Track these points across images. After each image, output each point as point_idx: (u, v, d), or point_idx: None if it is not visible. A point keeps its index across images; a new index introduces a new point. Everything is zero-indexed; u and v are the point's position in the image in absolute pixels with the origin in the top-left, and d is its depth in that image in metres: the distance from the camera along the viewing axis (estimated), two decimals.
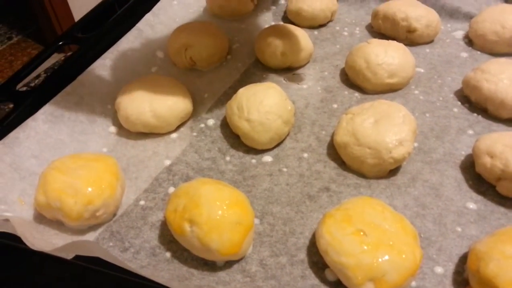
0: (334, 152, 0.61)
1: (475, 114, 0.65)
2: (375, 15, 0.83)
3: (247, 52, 0.80)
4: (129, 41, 0.77)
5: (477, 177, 0.56)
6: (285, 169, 0.60)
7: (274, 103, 0.61)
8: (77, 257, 0.47)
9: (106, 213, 0.53)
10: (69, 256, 0.48)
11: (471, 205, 0.54)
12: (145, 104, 0.63)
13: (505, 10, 0.77)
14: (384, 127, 0.56)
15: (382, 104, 0.60)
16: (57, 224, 0.54)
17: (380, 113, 0.59)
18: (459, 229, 0.51)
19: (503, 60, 0.67)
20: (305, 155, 0.61)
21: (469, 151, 0.59)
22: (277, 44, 0.74)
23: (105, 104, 0.68)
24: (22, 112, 0.63)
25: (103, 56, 0.73)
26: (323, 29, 0.86)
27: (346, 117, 0.61)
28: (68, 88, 0.66)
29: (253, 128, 0.60)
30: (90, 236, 0.53)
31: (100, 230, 0.54)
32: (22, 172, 0.57)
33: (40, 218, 0.54)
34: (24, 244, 0.47)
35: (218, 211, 0.47)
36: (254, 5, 0.89)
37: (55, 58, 0.88)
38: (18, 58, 2.24)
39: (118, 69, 0.73)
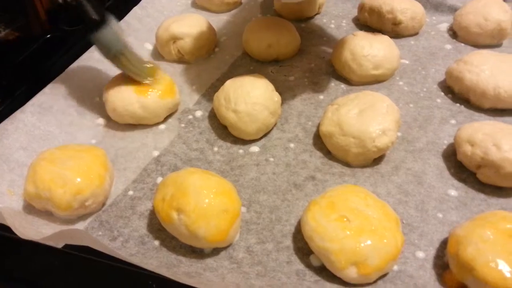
0: (320, 142, 0.62)
1: (458, 104, 0.67)
2: (361, 8, 0.84)
3: (234, 44, 0.81)
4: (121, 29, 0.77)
5: (458, 165, 0.58)
6: (271, 159, 0.61)
7: (261, 94, 0.61)
8: (68, 246, 0.48)
9: (95, 203, 0.54)
10: (58, 245, 0.48)
11: (452, 192, 0.55)
12: (132, 96, 0.63)
13: (488, 3, 0.78)
14: (368, 117, 0.58)
15: (366, 95, 0.61)
16: (46, 215, 0.54)
17: (364, 103, 0.60)
18: (440, 215, 0.53)
19: (485, 51, 0.69)
20: (292, 145, 0.62)
21: (451, 140, 0.60)
22: (264, 37, 0.74)
23: (93, 96, 0.69)
24: (10, 105, 0.63)
25: (91, 49, 0.73)
26: (310, 21, 0.87)
27: (331, 108, 0.62)
28: (57, 81, 0.67)
29: (240, 119, 0.61)
30: (80, 226, 0.54)
31: (89, 219, 0.54)
32: (11, 164, 0.58)
33: (29, 208, 0.55)
34: (14, 234, 0.47)
35: (205, 200, 0.48)
36: None
37: None
38: None
39: (106, 62, 0.72)
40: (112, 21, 0.61)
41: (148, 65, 0.65)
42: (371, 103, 0.60)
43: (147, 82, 0.65)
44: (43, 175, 0.52)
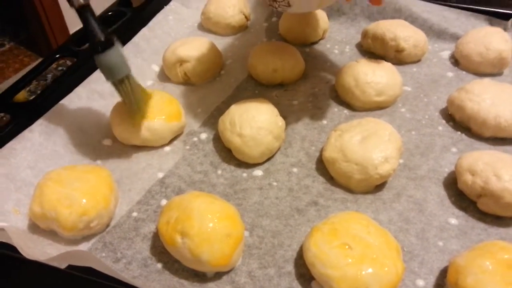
0: (323, 167, 0.63)
1: (459, 133, 0.68)
2: (364, 34, 0.86)
3: (240, 68, 0.82)
4: (125, 55, 0.78)
5: (459, 193, 0.58)
6: (275, 183, 0.61)
7: (266, 119, 0.63)
8: (71, 267, 0.48)
9: (99, 224, 0.54)
10: (62, 265, 0.49)
11: (453, 221, 0.56)
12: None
13: (489, 33, 0.79)
14: (370, 144, 0.58)
15: (369, 122, 0.62)
16: (51, 234, 0.55)
17: (367, 130, 0.61)
18: (440, 243, 0.53)
19: (486, 80, 0.70)
20: (295, 169, 0.63)
21: (452, 168, 0.61)
22: (269, 61, 0.76)
23: (100, 116, 0.70)
24: (18, 124, 0.64)
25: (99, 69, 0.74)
26: (314, 46, 0.88)
27: (335, 134, 0.63)
28: (65, 101, 0.68)
29: (245, 143, 0.62)
30: (83, 247, 0.54)
31: (93, 240, 0.55)
32: (18, 183, 0.58)
33: (34, 228, 0.55)
34: (19, 253, 0.48)
35: (209, 224, 0.49)
36: (247, 21, 0.92)
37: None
38: (9, 65, 2.25)
39: None
40: (119, 45, 0.60)
41: (145, 93, 0.66)
42: (374, 130, 0.61)
43: (138, 114, 0.64)
44: (49, 195, 0.53)
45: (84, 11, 0.57)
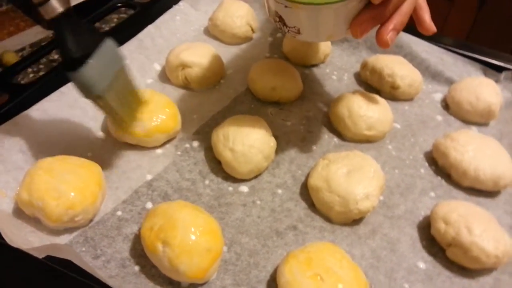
0: (306, 193, 0.65)
1: (439, 178, 0.70)
2: (364, 65, 0.88)
3: (239, 79, 0.83)
4: (129, 50, 0.79)
5: (431, 238, 0.61)
6: (258, 202, 0.63)
7: (258, 138, 0.64)
8: (48, 258, 0.49)
9: (84, 219, 0.56)
10: (40, 255, 0.50)
11: (421, 265, 0.58)
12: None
13: (482, 83, 0.82)
14: (355, 179, 0.61)
15: (356, 156, 0.65)
16: (34, 222, 0.56)
17: (353, 164, 0.63)
18: (406, 285, 0.55)
19: (472, 132, 0.73)
20: (279, 191, 0.65)
21: (428, 212, 0.63)
22: (269, 79, 0.77)
23: (96, 109, 0.70)
24: (16, 105, 0.65)
25: None
26: (314, 69, 0.90)
27: (322, 162, 0.65)
28: (64, 88, 0.68)
29: (235, 158, 0.63)
30: (65, 238, 0.55)
31: (75, 233, 0.56)
32: (8, 165, 0.59)
33: (19, 213, 0.56)
34: (2, 239, 0.49)
35: (192, 237, 0.51)
36: (253, 33, 0.94)
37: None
38: (4, 27, 2.21)
39: None
40: (97, 57, 0.51)
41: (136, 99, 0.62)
42: (360, 165, 0.63)
43: (123, 124, 0.62)
44: (39, 184, 0.54)
45: (57, 23, 0.48)
